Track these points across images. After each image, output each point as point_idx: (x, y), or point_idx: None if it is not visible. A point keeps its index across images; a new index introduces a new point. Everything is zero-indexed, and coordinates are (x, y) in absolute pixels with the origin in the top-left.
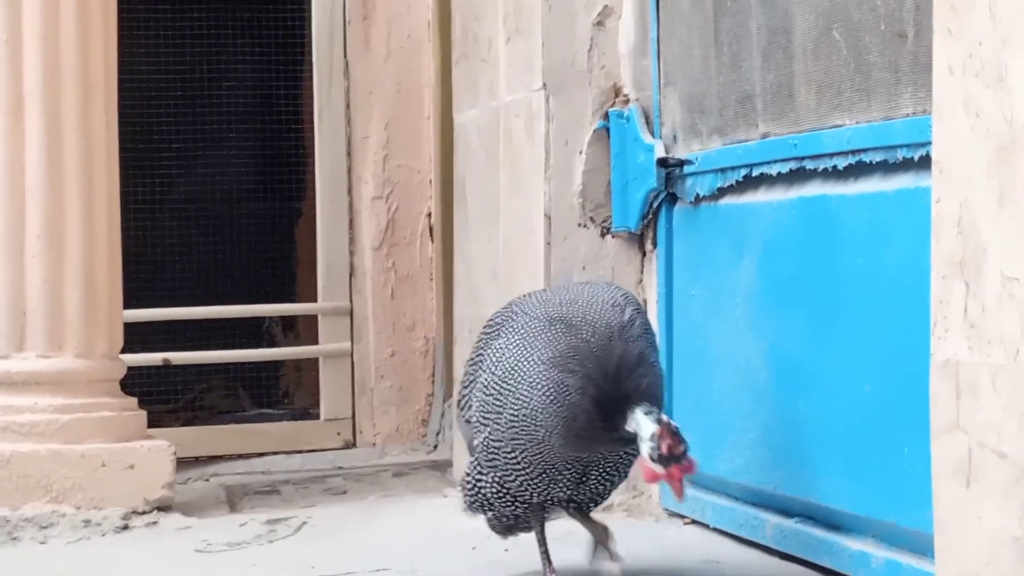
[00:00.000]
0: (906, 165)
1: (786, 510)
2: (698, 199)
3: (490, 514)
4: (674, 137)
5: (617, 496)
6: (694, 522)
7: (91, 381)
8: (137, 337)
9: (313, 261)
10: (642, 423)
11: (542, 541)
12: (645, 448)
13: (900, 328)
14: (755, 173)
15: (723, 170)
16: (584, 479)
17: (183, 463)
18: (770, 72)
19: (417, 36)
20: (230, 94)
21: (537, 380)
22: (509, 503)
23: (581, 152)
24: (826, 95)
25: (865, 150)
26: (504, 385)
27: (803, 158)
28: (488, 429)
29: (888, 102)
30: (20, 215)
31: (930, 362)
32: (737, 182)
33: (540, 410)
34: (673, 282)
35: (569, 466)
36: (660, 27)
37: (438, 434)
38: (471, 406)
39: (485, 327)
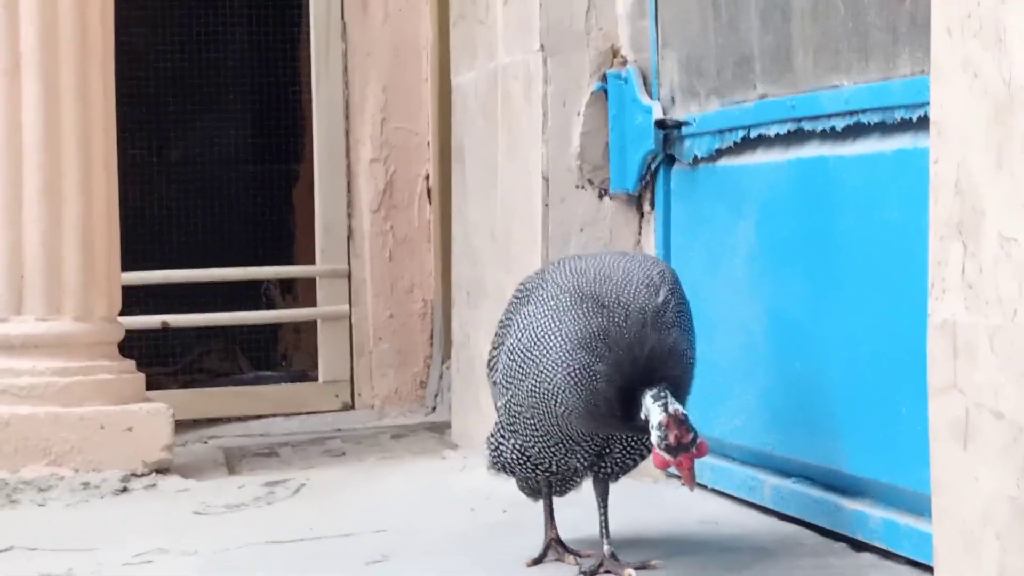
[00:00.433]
0: (904, 126)
1: (784, 471)
2: (696, 160)
3: (515, 479)
4: (672, 99)
5: None
6: None
7: (89, 344)
8: (135, 300)
9: (311, 224)
10: (651, 410)
11: (548, 502)
12: (654, 436)
13: (898, 289)
14: (753, 134)
15: (721, 131)
16: (606, 451)
17: (181, 425)
18: (768, 33)
19: None
20: (227, 56)
21: (563, 359)
22: (530, 469)
23: (579, 114)
24: (824, 56)
25: (863, 111)
26: (528, 354)
27: (801, 119)
28: (510, 393)
29: (886, 63)
30: (18, 178)
31: (928, 323)
32: (735, 143)
33: (563, 390)
34: (671, 243)
35: (587, 439)
36: None
37: (436, 396)
38: (497, 368)
39: (516, 290)
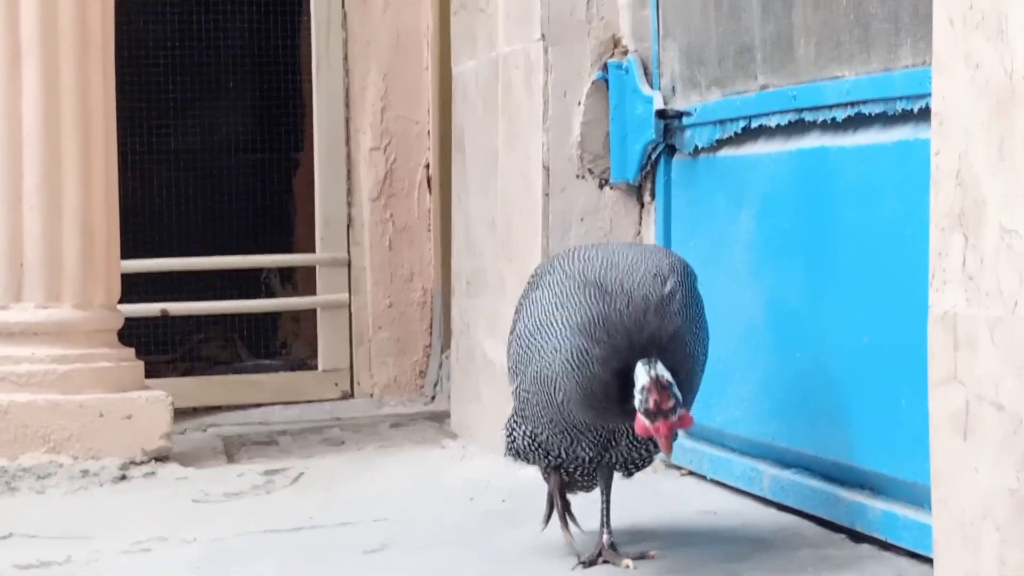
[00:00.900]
0: (905, 117)
1: (783, 461)
2: (697, 151)
3: (532, 466)
4: (673, 88)
5: None
6: (691, 473)
7: (89, 332)
8: (135, 288)
9: (311, 212)
10: (639, 375)
11: (560, 493)
12: (636, 400)
13: (898, 280)
14: (754, 125)
15: (722, 122)
16: (612, 443)
17: (181, 414)
18: (769, 23)
19: None
20: (228, 44)
21: (561, 344)
22: (541, 456)
23: (580, 103)
24: (825, 46)
25: (864, 102)
26: (532, 340)
27: (802, 110)
28: (519, 379)
29: (888, 53)
30: (17, 166)
31: (928, 314)
32: (736, 134)
33: (561, 375)
34: (671, 234)
35: (591, 429)
36: None
37: (436, 385)
38: (510, 354)
39: (531, 276)
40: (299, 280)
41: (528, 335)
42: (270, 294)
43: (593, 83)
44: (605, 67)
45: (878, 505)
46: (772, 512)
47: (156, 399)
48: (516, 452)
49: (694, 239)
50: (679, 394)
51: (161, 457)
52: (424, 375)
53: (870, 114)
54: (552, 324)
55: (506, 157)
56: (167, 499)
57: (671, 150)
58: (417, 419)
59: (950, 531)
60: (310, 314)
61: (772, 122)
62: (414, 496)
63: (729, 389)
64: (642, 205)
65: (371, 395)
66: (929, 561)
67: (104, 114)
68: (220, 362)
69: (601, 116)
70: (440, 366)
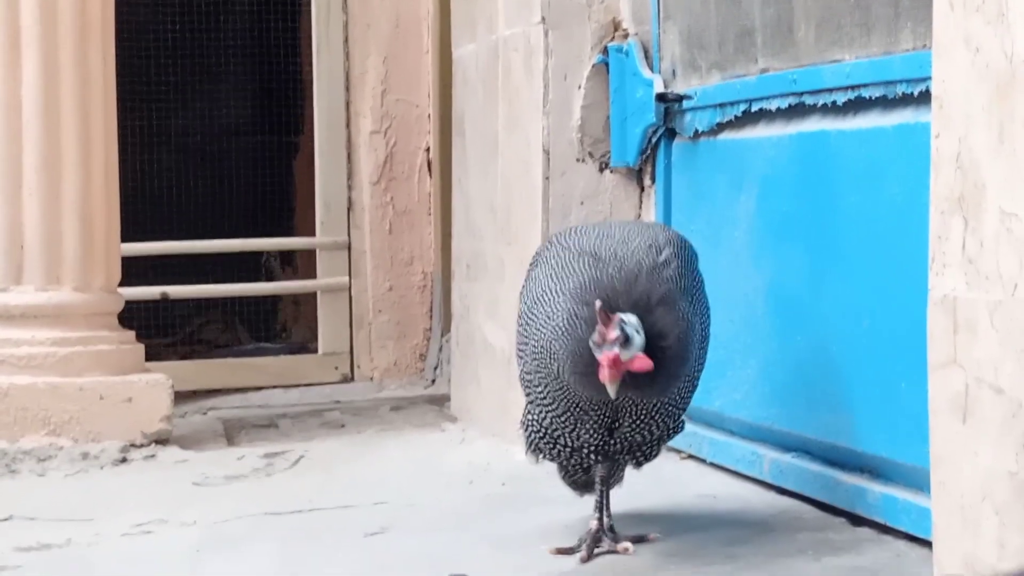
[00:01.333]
0: (905, 100)
1: (783, 445)
2: (697, 134)
3: (548, 460)
4: (673, 72)
5: None
6: (691, 457)
7: (89, 314)
8: (135, 271)
9: (311, 196)
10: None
11: (603, 491)
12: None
13: (898, 264)
14: (754, 108)
15: (722, 105)
16: (616, 425)
17: (181, 397)
18: (770, 6)
19: None
20: (228, 28)
21: (554, 311)
22: (550, 444)
23: (580, 87)
24: (826, 30)
25: (864, 85)
26: (530, 316)
27: (802, 93)
28: (522, 361)
29: (888, 37)
30: (17, 150)
31: (928, 298)
32: (736, 117)
33: (553, 341)
34: (671, 217)
35: (594, 407)
36: None
37: (436, 368)
38: (516, 340)
39: (532, 258)
40: (299, 263)
41: (528, 312)
42: (270, 277)
43: (593, 66)
44: (605, 50)
45: (878, 488)
46: (772, 495)
47: (156, 382)
48: (529, 443)
49: (694, 223)
50: (632, 334)
51: (161, 440)
52: (424, 358)
53: (870, 97)
54: (547, 294)
55: (506, 141)
56: (167, 482)
57: (671, 134)
58: (417, 402)
59: (949, 514)
60: (310, 297)
61: (772, 105)
62: (414, 479)
63: (729, 372)
64: (642, 189)
65: (371, 378)
66: (928, 544)
67: (104, 98)
68: (220, 345)
69: (601, 99)
70: (440, 349)
